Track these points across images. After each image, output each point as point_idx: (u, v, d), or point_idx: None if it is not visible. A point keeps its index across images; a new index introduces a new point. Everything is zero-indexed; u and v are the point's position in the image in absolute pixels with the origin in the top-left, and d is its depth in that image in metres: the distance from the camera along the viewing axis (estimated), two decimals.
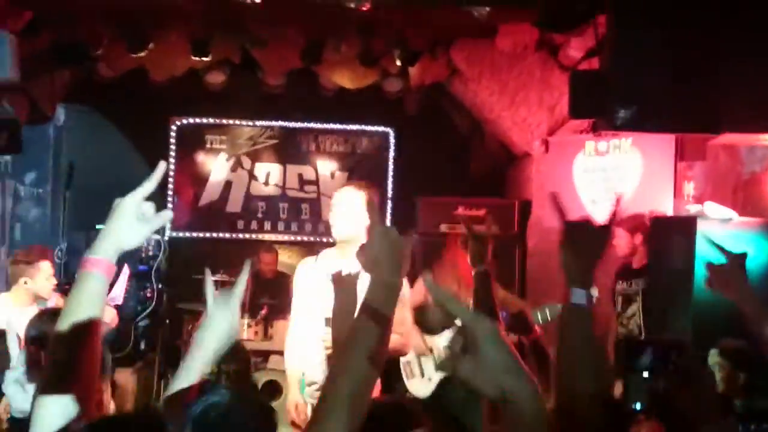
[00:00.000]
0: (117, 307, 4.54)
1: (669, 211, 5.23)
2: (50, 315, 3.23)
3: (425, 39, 5.59)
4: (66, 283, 6.07)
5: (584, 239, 1.55)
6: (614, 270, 4.91)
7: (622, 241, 4.74)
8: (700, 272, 4.56)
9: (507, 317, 3.38)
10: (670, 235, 4.70)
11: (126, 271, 4.51)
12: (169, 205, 7.46)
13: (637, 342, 1.80)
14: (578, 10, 4.00)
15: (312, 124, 7.73)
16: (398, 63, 5.79)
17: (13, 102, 5.95)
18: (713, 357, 2.87)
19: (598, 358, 1.52)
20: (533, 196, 6.05)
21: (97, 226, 5.51)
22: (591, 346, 1.48)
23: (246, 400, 1.56)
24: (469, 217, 5.69)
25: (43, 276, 4.16)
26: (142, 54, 5.56)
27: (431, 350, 4.56)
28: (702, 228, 4.19)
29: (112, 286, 4.37)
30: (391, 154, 7.75)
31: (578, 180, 5.59)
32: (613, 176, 5.51)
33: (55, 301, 4.34)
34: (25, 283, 4.13)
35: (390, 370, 5.73)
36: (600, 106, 3.79)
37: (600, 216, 5.39)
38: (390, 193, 7.72)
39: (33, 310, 4.09)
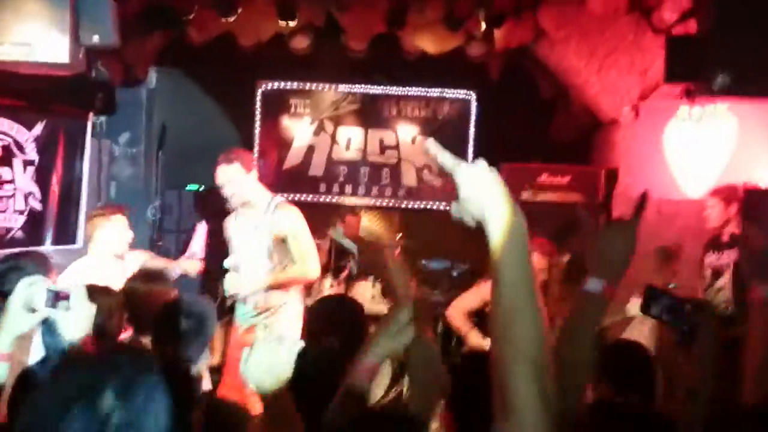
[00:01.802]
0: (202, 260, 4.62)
1: (765, 182, 5.02)
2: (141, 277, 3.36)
3: (512, 0, 5.47)
4: (158, 240, 6.40)
5: (620, 235, 1.57)
6: (704, 241, 4.76)
7: (715, 211, 4.59)
8: None
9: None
10: (765, 207, 4.52)
11: (204, 226, 4.62)
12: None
13: (655, 290, 1.79)
14: None
15: (393, 89, 7.73)
16: (483, 26, 5.68)
17: (107, 65, 6.20)
18: None
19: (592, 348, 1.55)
20: (620, 163, 5.89)
21: (187, 186, 5.73)
22: (592, 334, 1.52)
23: None
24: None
25: (117, 227, 4.16)
26: (231, 19, 5.66)
27: None
28: None
29: (189, 242, 4.54)
30: (473, 119, 7.68)
31: (668, 147, 5.41)
32: (707, 144, 5.30)
33: (136, 258, 4.45)
34: (98, 233, 4.13)
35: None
36: (697, 70, 3.66)
37: (690, 186, 5.27)
38: (471, 159, 7.65)
39: (112, 265, 4.16)
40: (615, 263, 1.55)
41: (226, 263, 4.01)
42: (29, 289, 1.81)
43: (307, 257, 3.99)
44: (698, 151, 5.33)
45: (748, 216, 4.55)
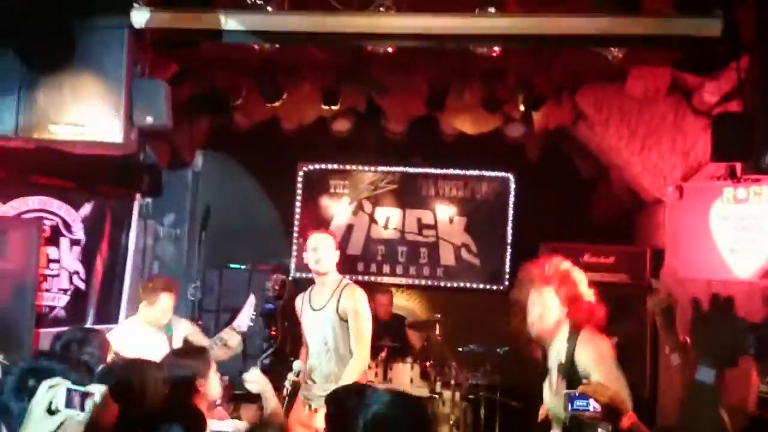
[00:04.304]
0: (243, 340, 4.64)
1: None
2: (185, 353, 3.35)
3: (551, 83, 5.54)
4: (198, 319, 6.40)
5: (728, 322, 1.51)
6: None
7: None
8: None
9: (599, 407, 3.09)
10: None
11: (252, 299, 4.65)
12: (294, 247, 7.73)
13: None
14: (719, 51, 3.86)
15: (431, 170, 7.82)
16: (522, 108, 5.74)
17: (155, 149, 6.39)
18: None
19: None
20: (666, 244, 5.79)
21: (231, 265, 5.78)
22: (715, 425, 1.45)
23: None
24: None
25: (160, 305, 4.35)
26: (277, 104, 5.83)
27: None
28: None
29: (238, 311, 4.57)
30: (512, 199, 7.69)
31: (715, 228, 5.31)
32: (754, 225, 5.19)
33: (182, 325, 4.52)
34: (144, 306, 4.36)
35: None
36: (744, 149, 3.63)
37: (739, 266, 5.08)
38: (510, 239, 7.64)
39: (154, 334, 4.32)
40: (724, 351, 1.50)
41: (295, 367, 4.19)
42: (51, 391, 1.80)
43: (364, 339, 4.18)
44: (746, 231, 5.22)
45: None
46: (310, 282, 7.47)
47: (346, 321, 4.17)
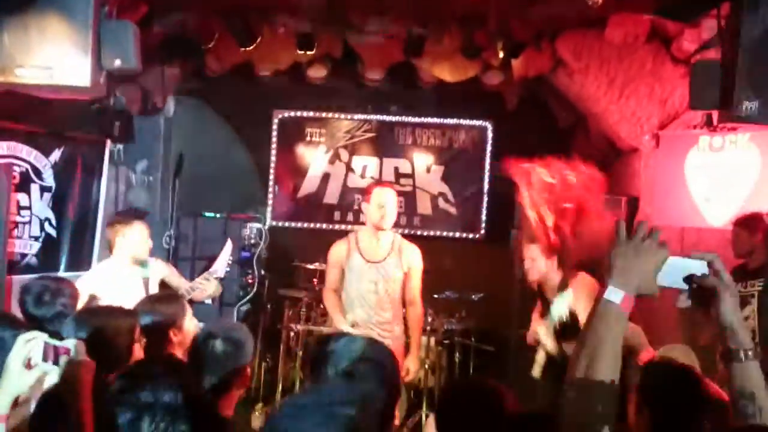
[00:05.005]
0: (221, 283, 4.59)
1: None
2: (158, 300, 3.31)
3: (530, 30, 5.46)
4: (174, 265, 6.35)
5: (648, 250, 1.54)
6: (729, 271, 4.67)
7: (740, 241, 4.52)
8: None
9: None
10: None
11: (229, 244, 4.59)
12: (270, 195, 7.68)
13: None
14: None
15: (409, 118, 7.74)
16: (501, 55, 5.67)
17: (126, 94, 6.23)
18: None
19: (617, 361, 1.51)
20: (641, 192, 5.83)
21: (204, 214, 5.68)
22: (614, 347, 1.49)
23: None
24: None
25: (137, 233, 4.21)
26: (251, 48, 5.68)
27: None
28: None
29: (214, 259, 4.51)
30: (489, 147, 7.67)
31: (690, 176, 5.35)
32: (729, 173, 5.24)
33: (158, 266, 4.44)
34: (120, 239, 4.17)
35: None
36: (723, 97, 3.62)
37: (713, 214, 5.14)
38: (487, 188, 7.65)
39: (132, 272, 4.23)
40: (638, 277, 1.51)
41: (350, 318, 4.34)
42: (27, 346, 1.78)
43: (419, 291, 4.50)
44: (720, 180, 5.27)
45: None
46: (286, 230, 7.55)
47: (404, 274, 4.43)
